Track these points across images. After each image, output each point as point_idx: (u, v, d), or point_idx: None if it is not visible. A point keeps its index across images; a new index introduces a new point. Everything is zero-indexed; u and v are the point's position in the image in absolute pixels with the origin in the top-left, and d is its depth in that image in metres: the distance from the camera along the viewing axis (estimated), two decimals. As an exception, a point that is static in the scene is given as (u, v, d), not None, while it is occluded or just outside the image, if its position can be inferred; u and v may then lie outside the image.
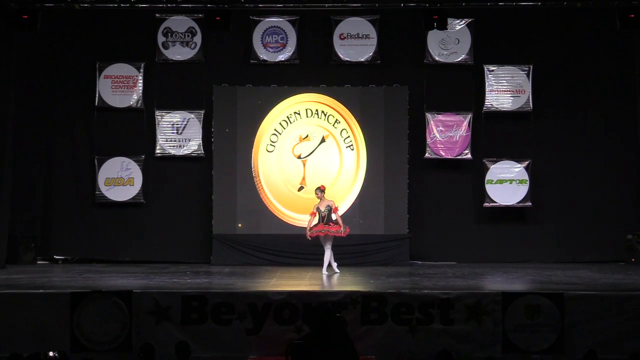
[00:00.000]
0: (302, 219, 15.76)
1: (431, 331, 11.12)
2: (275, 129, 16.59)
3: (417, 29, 15.85)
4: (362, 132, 16.55)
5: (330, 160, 16.62)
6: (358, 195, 16.46)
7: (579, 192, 16.62)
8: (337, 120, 16.59)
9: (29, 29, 14.80)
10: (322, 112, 16.61)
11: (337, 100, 16.57)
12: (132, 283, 12.99)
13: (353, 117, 16.56)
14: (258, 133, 16.53)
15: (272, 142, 16.58)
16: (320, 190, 14.56)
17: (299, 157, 16.61)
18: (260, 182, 16.51)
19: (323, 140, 16.64)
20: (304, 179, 16.57)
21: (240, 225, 16.41)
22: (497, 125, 16.57)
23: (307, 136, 16.63)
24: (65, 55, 16.67)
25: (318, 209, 14.40)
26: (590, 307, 11.16)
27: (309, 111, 16.64)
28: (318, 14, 16.18)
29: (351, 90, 16.60)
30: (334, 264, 14.45)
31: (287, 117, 16.60)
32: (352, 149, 16.59)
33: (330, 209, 14.38)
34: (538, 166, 16.56)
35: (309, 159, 16.63)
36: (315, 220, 14.51)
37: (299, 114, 16.62)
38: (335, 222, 14.34)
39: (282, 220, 16.40)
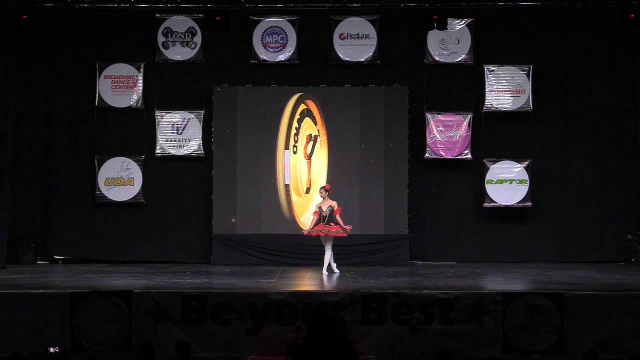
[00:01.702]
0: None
1: (431, 331, 11.11)
2: (295, 128, 16.58)
3: (417, 29, 15.86)
4: (326, 133, 16.53)
5: (319, 160, 16.68)
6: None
7: (579, 192, 16.63)
8: (316, 121, 16.66)
9: (29, 29, 14.82)
10: (310, 111, 16.64)
11: (317, 99, 16.62)
12: (132, 283, 12.98)
13: (321, 115, 16.59)
14: (280, 134, 16.53)
15: (295, 142, 16.58)
16: (325, 189, 14.54)
17: (308, 157, 16.64)
18: (281, 184, 16.51)
19: (316, 140, 16.66)
20: (309, 180, 16.58)
21: (233, 220, 16.37)
22: (497, 125, 16.57)
23: (310, 135, 16.65)
24: (65, 55, 16.66)
25: (320, 208, 14.39)
26: (590, 307, 11.15)
27: (306, 110, 16.68)
28: (318, 14, 16.19)
29: (351, 90, 16.59)
30: (334, 265, 14.45)
31: (299, 116, 16.62)
32: (322, 149, 16.63)
33: (332, 210, 14.36)
34: (538, 166, 16.56)
35: (312, 159, 16.68)
36: (316, 219, 14.51)
37: (303, 112, 16.65)
38: (336, 223, 14.34)
39: (297, 225, 16.28)
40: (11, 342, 10.87)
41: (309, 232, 14.45)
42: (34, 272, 14.46)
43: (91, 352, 10.84)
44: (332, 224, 14.30)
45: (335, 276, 14.12)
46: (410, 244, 16.37)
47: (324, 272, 14.23)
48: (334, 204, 14.50)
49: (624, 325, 11.09)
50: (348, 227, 14.29)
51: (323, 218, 14.35)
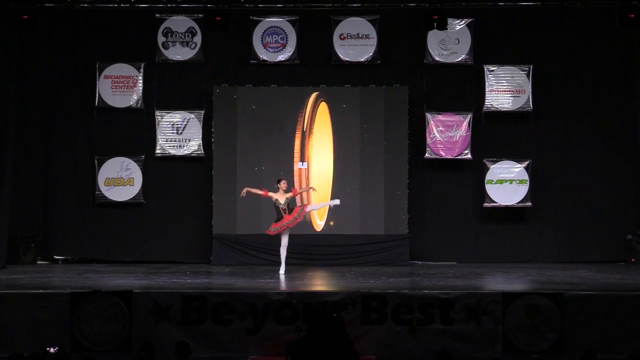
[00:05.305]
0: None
1: (431, 331, 11.12)
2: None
3: (417, 29, 15.86)
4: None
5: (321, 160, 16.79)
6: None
7: (579, 192, 16.63)
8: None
9: (29, 29, 14.81)
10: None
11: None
12: (132, 283, 12.99)
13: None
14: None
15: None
16: (282, 182, 14.33)
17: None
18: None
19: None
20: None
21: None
22: (497, 125, 16.57)
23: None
24: (65, 55, 16.65)
25: (277, 200, 14.19)
26: (590, 307, 11.15)
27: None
28: (318, 14, 16.18)
29: (351, 90, 16.60)
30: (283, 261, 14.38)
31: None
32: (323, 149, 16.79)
33: (289, 200, 14.23)
34: (538, 166, 16.56)
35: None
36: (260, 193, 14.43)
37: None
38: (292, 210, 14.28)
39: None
40: (11, 342, 10.87)
41: (274, 231, 14.29)
42: (34, 272, 14.46)
43: (91, 352, 10.84)
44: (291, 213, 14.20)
45: (335, 276, 14.11)
46: (410, 244, 16.37)
47: (282, 272, 14.13)
48: (290, 194, 14.33)
49: (624, 325, 11.09)
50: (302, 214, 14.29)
51: (283, 211, 14.21)
